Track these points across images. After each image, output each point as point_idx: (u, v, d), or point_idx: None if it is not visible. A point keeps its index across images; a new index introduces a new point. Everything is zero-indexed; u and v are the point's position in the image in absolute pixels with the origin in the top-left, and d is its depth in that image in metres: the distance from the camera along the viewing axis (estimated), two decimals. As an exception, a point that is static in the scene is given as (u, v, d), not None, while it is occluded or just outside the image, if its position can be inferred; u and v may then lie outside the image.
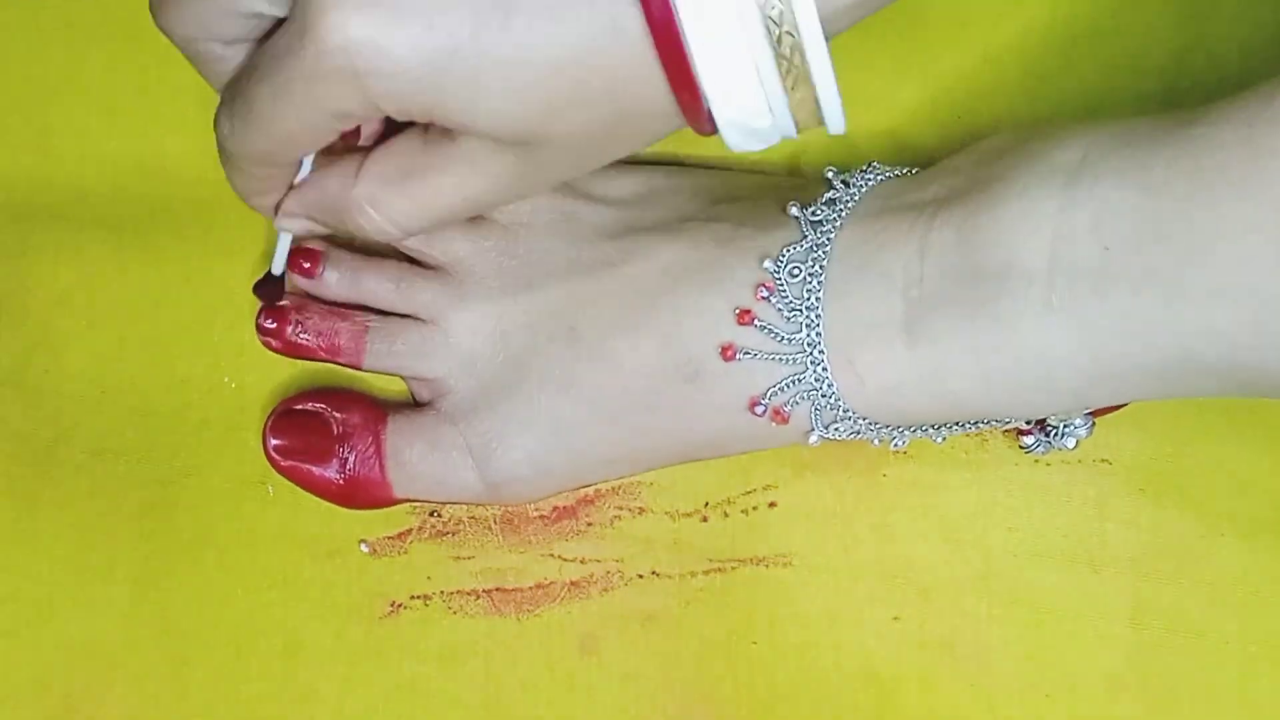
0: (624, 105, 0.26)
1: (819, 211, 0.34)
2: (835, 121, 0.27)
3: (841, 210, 0.34)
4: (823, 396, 0.33)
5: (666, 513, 0.38)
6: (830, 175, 0.35)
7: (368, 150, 0.30)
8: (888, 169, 0.35)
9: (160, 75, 0.39)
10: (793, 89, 0.26)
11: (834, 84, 0.25)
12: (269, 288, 0.37)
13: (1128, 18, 0.38)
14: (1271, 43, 0.38)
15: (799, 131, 0.27)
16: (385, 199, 0.30)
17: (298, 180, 0.32)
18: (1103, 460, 0.38)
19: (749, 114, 0.26)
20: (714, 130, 0.27)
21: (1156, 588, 0.37)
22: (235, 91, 0.28)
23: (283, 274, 0.36)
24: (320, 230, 0.32)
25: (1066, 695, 0.37)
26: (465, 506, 0.38)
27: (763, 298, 0.33)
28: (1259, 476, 0.38)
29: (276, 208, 0.32)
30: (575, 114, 0.26)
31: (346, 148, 0.31)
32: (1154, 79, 0.38)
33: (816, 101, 0.26)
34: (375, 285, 0.37)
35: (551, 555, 0.38)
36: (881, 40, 0.38)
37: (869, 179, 0.35)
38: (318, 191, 0.31)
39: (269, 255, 0.39)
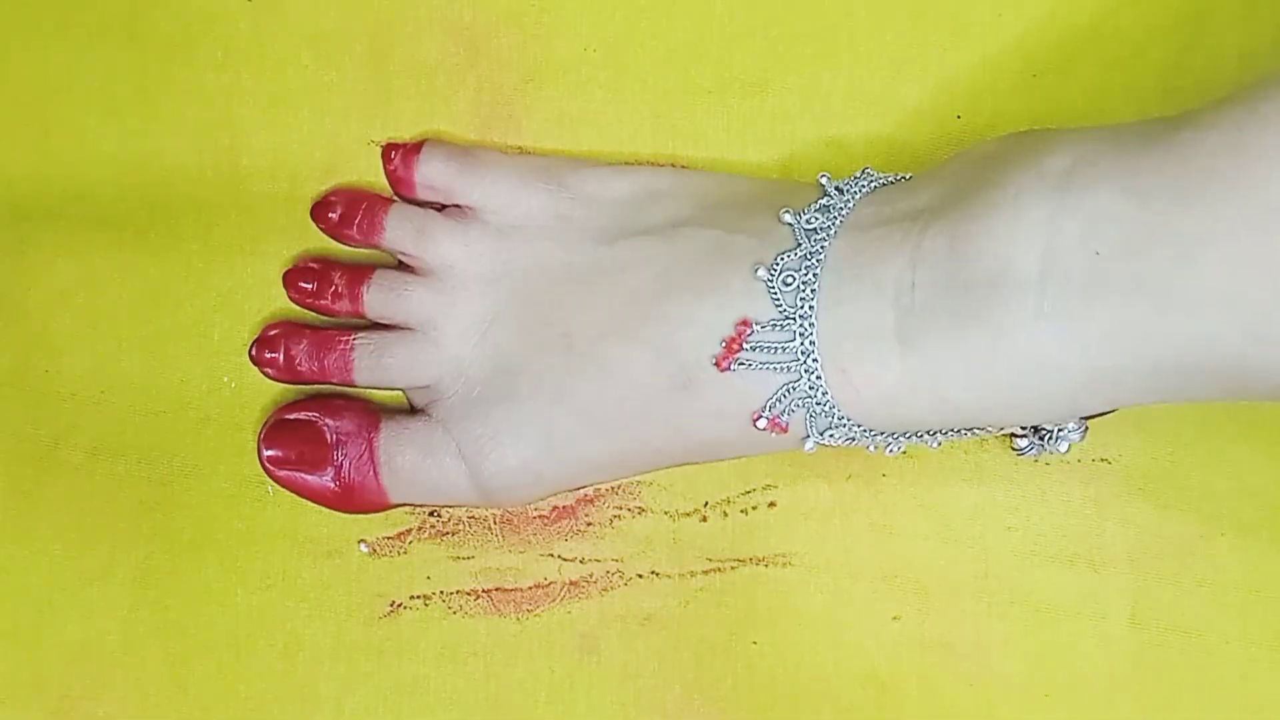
0: None
1: (813, 219, 0.34)
2: None
3: (835, 218, 0.34)
4: (817, 404, 0.33)
5: (666, 513, 0.38)
6: (824, 181, 0.35)
7: None
8: (881, 176, 0.35)
9: (160, 75, 0.39)
10: None
11: None
12: None
13: (1127, 18, 0.38)
14: (1271, 43, 0.38)
15: None
16: None
17: None
18: (1102, 460, 0.38)
19: None
20: None
21: (1156, 588, 0.37)
22: None
23: None
24: None
25: (1066, 695, 0.37)
26: (464, 507, 0.38)
27: (753, 316, 0.33)
28: (1259, 476, 0.38)
29: None
30: None
31: None
32: (1153, 79, 0.38)
33: None
34: (370, 294, 0.37)
35: (551, 555, 0.38)
36: (880, 40, 0.38)
37: (862, 185, 0.35)
38: None
39: (269, 256, 0.39)
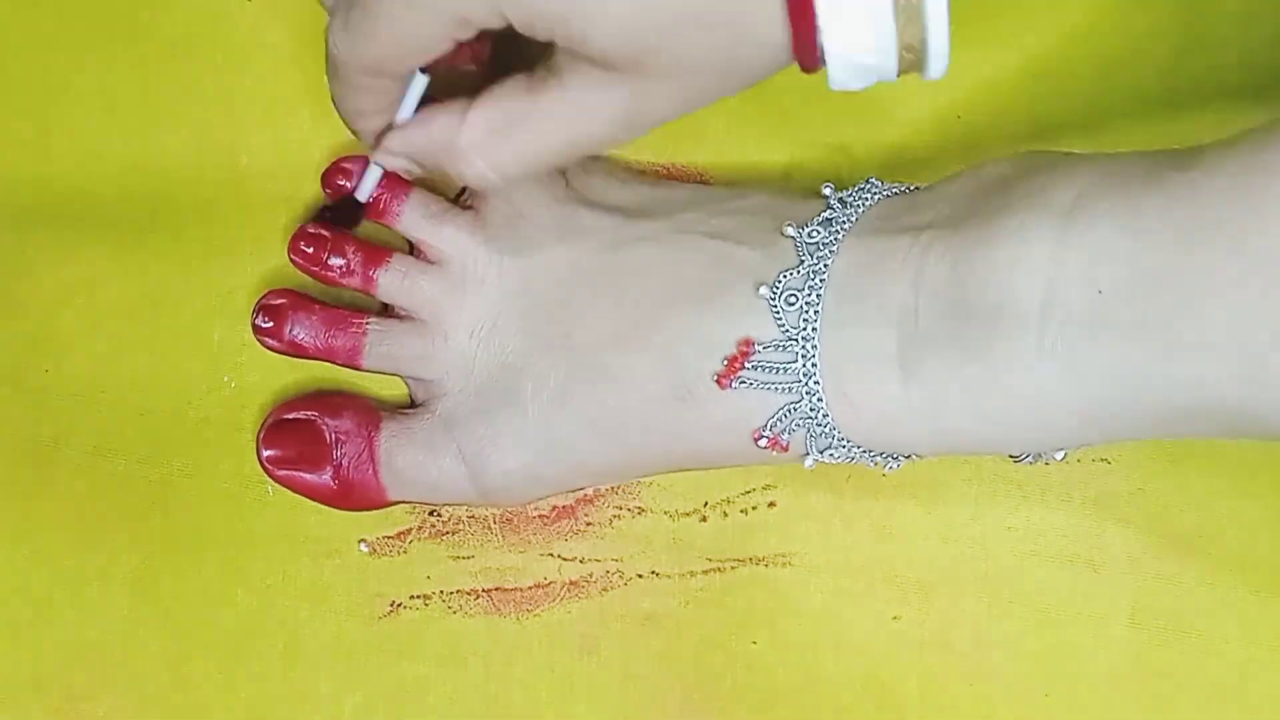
0: (739, 32, 0.27)
1: (815, 233, 0.34)
2: (937, 65, 0.27)
3: (838, 232, 0.33)
4: (818, 425, 0.33)
5: (666, 512, 0.38)
6: (827, 193, 0.35)
7: (470, 101, 0.31)
8: (884, 187, 0.35)
9: (160, 75, 0.39)
10: (904, 26, 0.27)
11: (946, 26, 0.27)
12: (346, 210, 0.37)
13: (1127, 17, 0.38)
14: (1271, 43, 0.38)
15: (899, 74, 0.28)
16: (490, 145, 0.31)
17: (399, 120, 0.33)
18: (1102, 460, 0.38)
19: (857, 48, 0.27)
20: (818, 66, 0.28)
21: (1156, 588, 0.37)
22: None
23: (365, 202, 0.37)
24: (416, 172, 0.33)
25: (1066, 695, 0.37)
26: (464, 506, 0.38)
27: (756, 335, 0.33)
28: (1259, 476, 0.38)
29: (378, 141, 0.33)
30: (693, 35, 0.27)
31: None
32: (1154, 79, 0.38)
33: (924, 43, 0.27)
34: (386, 278, 0.37)
35: (551, 555, 0.38)
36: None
37: (865, 199, 0.34)
38: (423, 132, 0.32)
39: (269, 256, 0.39)
